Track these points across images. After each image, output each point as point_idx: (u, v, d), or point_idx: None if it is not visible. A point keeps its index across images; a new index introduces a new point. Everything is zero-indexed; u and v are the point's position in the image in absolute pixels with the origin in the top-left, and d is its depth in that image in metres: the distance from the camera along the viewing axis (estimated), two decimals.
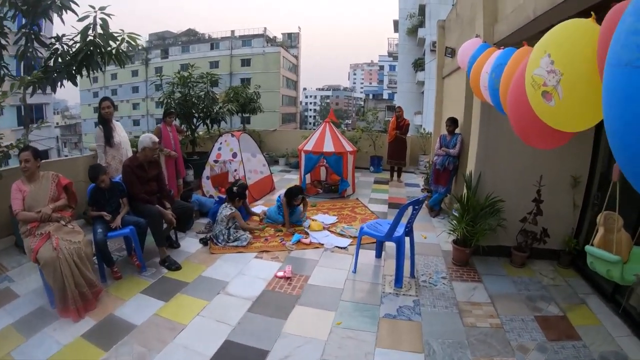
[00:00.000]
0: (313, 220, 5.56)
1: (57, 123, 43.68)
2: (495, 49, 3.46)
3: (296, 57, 51.40)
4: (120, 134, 5.07)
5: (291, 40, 52.83)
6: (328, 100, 71.73)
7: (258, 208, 6.29)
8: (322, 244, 4.85)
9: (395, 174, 8.65)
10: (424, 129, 9.82)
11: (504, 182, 4.47)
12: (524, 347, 2.98)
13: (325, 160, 6.94)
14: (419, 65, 22.61)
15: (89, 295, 3.27)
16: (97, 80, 47.92)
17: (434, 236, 5.27)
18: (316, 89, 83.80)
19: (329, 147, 6.75)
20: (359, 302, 3.64)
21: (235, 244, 4.75)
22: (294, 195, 5.37)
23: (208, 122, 7.55)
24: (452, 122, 5.80)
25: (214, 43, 46.64)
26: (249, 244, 4.79)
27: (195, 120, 7.43)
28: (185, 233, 5.09)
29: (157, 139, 4.37)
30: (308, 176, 7.46)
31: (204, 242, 4.85)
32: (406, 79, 24.88)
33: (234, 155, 6.41)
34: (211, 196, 6.35)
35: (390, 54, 38.96)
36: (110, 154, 4.93)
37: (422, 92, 22.01)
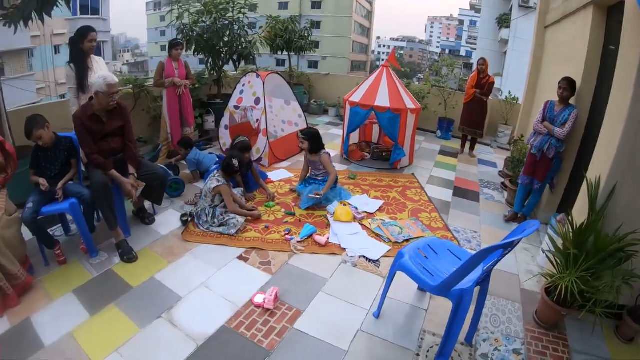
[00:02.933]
0: (342, 205, 3.67)
1: (127, 60, 44.84)
2: None
3: (371, 3, 44.79)
4: (99, 72, 3.43)
5: None
6: (402, 52, 64.00)
7: (278, 173, 4.51)
8: (344, 249, 3.02)
9: (467, 145, 6.11)
10: (510, 93, 6.84)
11: None
12: None
13: (376, 117, 4.78)
14: (503, 21, 19.22)
15: (7, 290, 2.31)
16: (164, 19, 46.95)
17: (512, 258, 3.11)
18: (390, 39, 75.66)
19: (382, 100, 4.57)
20: None
21: (219, 229, 3.14)
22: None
23: (235, 58, 5.55)
24: (570, 86, 3.20)
25: None
26: (238, 232, 3.15)
27: (222, 56, 5.51)
28: (168, 202, 3.62)
29: (115, 80, 2.75)
30: (356, 134, 5.45)
31: (184, 221, 3.29)
32: (487, 35, 21.70)
33: (257, 101, 4.57)
34: (227, 150, 4.75)
35: (472, 6, 32.83)
36: (84, 99, 3.43)
37: (505, 52, 18.69)
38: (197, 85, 5.23)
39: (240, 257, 2.90)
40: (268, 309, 2.39)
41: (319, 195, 3.58)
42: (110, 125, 2.87)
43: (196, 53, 5.26)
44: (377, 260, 2.94)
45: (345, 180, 4.39)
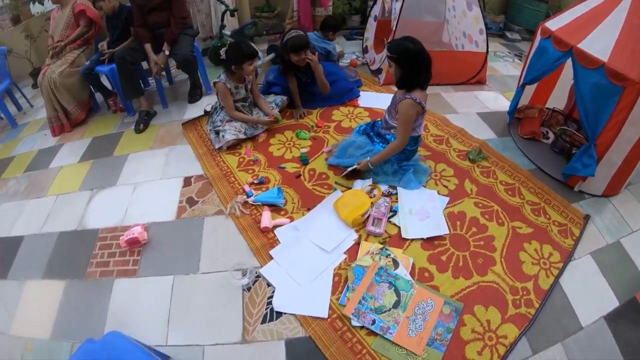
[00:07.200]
0: (369, 191, 2.07)
1: None
2: None
3: None
4: None
5: None
6: None
7: (378, 97, 2.94)
8: (271, 257, 1.82)
9: None
10: None
11: None
12: None
13: (573, 75, 1.95)
14: None
15: (63, 119, 3.10)
16: None
17: None
18: None
19: (599, 44, 1.79)
20: None
21: (211, 137, 2.59)
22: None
23: None
24: None
25: None
26: (221, 149, 2.48)
27: None
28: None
29: None
30: (560, 97, 2.59)
31: (205, 111, 2.90)
32: None
33: None
34: (365, 48, 3.45)
35: None
36: None
37: None
38: None
39: (187, 179, 2.34)
40: (128, 243, 1.93)
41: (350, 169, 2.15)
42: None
43: None
44: (280, 315, 1.59)
45: (456, 159, 2.35)
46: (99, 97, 3.32)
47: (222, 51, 2.39)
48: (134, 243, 1.95)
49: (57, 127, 3.07)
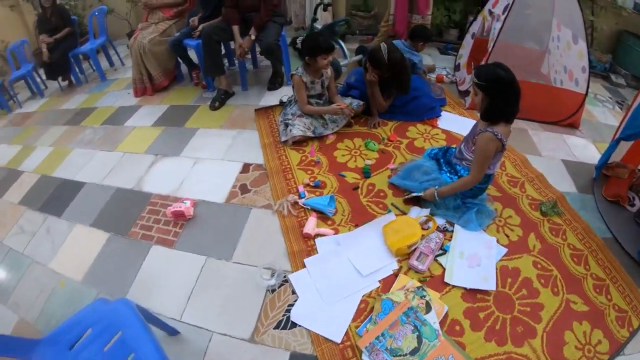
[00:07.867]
0: (424, 222, 1.90)
1: None
2: None
3: None
4: None
5: None
6: None
7: (459, 121, 2.70)
8: (304, 265, 1.77)
9: None
10: None
11: None
12: None
13: None
14: None
15: (147, 83, 3.39)
16: None
17: None
18: None
19: None
20: None
21: (280, 128, 2.59)
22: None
23: None
24: None
25: None
26: (287, 142, 2.48)
27: None
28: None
29: None
30: None
31: (280, 102, 2.92)
32: None
33: (506, 9, 2.52)
34: (457, 66, 3.21)
35: None
36: None
37: None
38: None
39: (246, 166, 2.38)
40: (177, 214, 2.03)
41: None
42: None
43: None
44: (294, 325, 1.55)
45: (526, 207, 2.08)
46: (184, 68, 3.52)
47: (299, 40, 2.37)
48: (179, 216, 2.03)
49: (140, 89, 3.34)
